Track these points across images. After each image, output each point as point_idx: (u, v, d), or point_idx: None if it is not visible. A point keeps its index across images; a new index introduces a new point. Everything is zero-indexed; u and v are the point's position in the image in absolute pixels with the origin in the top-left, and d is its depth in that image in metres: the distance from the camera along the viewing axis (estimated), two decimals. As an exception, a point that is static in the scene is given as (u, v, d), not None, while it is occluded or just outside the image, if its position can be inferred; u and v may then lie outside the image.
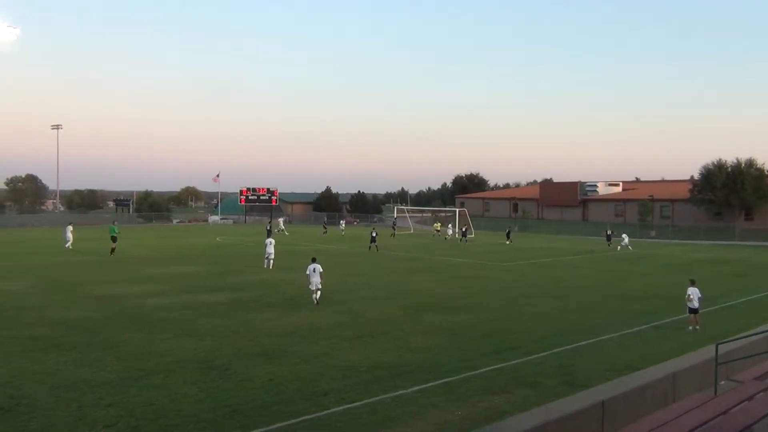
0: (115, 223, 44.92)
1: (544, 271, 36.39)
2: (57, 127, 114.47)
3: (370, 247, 47.61)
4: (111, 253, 40.38)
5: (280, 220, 76.60)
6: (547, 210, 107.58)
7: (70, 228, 46.19)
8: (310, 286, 23.61)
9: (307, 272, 23.79)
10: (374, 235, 49.05)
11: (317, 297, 23.48)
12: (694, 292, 20.02)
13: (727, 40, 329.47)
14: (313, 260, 24.18)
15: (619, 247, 53.34)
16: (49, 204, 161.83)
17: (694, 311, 20.01)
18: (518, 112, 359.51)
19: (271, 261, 35.20)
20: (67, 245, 44.50)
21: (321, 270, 23.68)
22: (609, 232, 58.43)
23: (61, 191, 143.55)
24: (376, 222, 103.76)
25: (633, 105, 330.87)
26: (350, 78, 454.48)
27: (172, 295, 25.30)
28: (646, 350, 17.11)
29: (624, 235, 55.89)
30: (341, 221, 77.11)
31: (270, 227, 56.62)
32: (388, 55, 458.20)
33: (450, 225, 68.10)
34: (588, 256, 47.28)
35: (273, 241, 36.59)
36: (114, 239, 41.41)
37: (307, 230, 75.12)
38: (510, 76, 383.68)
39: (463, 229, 62.98)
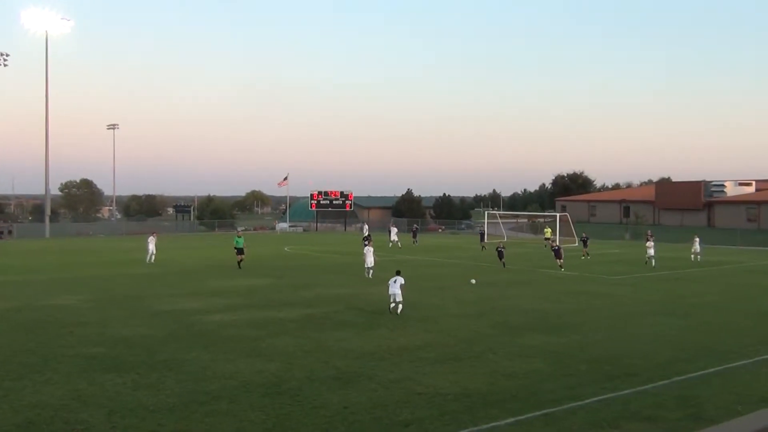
0: (240, 234, 46.12)
1: (663, 285, 35.35)
2: (113, 126, 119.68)
3: (504, 264, 43.65)
4: (239, 266, 41.23)
5: (394, 229, 64.93)
6: (665, 214, 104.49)
7: (153, 239, 46.06)
8: (389, 297, 25.11)
9: (389, 282, 25.37)
10: (501, 249, 44.83)
11: (392, 307, 24.86)
12: None
13: None
14: (397, 273, 25.64)
15: (692, 256, 49.18)
16: (105, 211, 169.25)
17: None
18: (629, 103, 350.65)
19: (371, 271, 36.87)
20: (149, 258, 44.69)
21: (402, 282, 25.06)
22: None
23: (117, 197, 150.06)
24: (463, 229, 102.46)
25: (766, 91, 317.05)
26: (432, 70, 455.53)
27: (239, 311, 25.94)
28: (789, 380, 16.38)
29: (696, 239, 50.59)
30: (392, 228, 65.00)
31: (368, 235, 57.16)
32: (481, 44, 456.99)
33: (653, 243, 49.35)
34: (715, 268, 45.60)
35: (372, 249, 38.33)
36: (239, 251, 42.04)
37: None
38: (619, 61, 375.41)
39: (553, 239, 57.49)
